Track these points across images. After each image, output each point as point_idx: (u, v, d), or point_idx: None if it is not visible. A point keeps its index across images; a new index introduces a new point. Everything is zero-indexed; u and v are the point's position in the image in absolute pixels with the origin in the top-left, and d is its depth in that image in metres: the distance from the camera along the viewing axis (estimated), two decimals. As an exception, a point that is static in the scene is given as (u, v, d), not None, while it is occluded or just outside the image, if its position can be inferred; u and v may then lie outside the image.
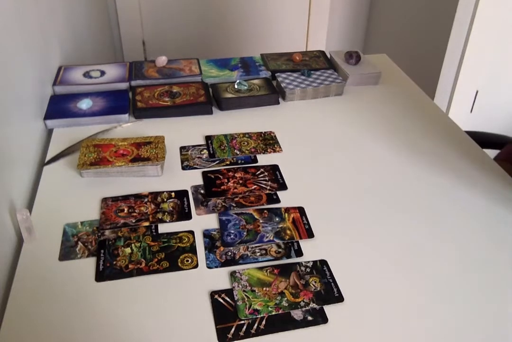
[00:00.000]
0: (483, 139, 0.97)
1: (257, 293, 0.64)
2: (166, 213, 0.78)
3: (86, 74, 1.13)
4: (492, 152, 1.01)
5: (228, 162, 0.90)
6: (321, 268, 0.68)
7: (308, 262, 0.69)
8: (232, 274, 0.67)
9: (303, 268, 0.68)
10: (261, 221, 0.76)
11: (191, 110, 1.04)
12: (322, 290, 0.65)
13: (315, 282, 0.66)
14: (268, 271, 0.68)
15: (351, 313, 0.62)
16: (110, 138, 0.91)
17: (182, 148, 0.93)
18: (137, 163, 0.84)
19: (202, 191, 0.83)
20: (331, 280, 0.66)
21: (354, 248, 0.72)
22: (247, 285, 0.65)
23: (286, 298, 0.63)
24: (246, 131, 0.99)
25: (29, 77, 0.94)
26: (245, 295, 0.64)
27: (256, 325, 0.60)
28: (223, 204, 0.80)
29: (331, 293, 0.64)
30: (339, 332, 0.60)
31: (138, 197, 0.81)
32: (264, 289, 0.65)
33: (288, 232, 0.74)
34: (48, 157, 0.90)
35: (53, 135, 0.97)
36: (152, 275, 0.67)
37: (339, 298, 0.64)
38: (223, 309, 0.62)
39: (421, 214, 0.79)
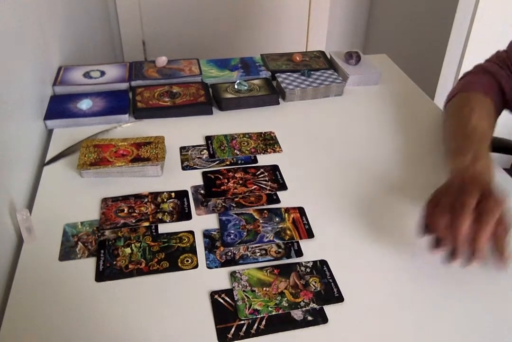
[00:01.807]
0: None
1: (257, 293, 0.64)
2: (166, 213, 0.78)
3: (86, 75, 1.13)
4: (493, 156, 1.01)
5: (228, 163, 0.90)
6: (321, 268, 0.68)
7: (308, 262, 0.69)
8: (232, 274, 0.67)
9: (303, 268, 0.68)
10: (261, 221, 0.76)
11: (191, 111, 1.04)
12: (322, 290, 0.65)
13: (315, 282, 0.66)
14: (268, 271, 0.68)
15: (351, 313, 0.62)
16: (110, 138, 0.91)
17: (182, 148, 0.93)
18: (137, 164, 0.84)
19: (202, 191, 0.83)
20: (331, 280, 0.66)
21: (354, 248, 0.72)
22: (247, 285, 0.65)
23: (286, 298, 0.63)
24: (246, 131, 0.99)
25: (29, 77, 0.94)
26: (245, 295, 0.64)
27: (256, 325, 0.60)
28: (223, 204, 0.80)
29: (331, 293, 0.64)
30: (339, 332, 0.60)
31: (138, 197, 0.81)
32: (264, 289, 0.65)
33: (288, 232, 0.74)
34: (48, 158, 0.90)
35: (53, 135, 0.97)
36: (152, 275, 0.67)
37: (339, 298, 0.64)
38: (223, 309, 0.62)
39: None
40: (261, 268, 0.68)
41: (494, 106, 0.87)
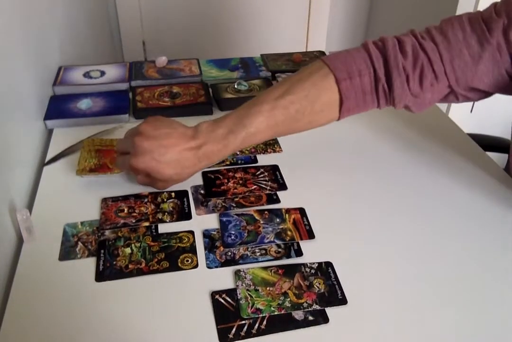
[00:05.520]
0: (484, 142, 0.97)
1: (261, 292, 0.64)
2: (166, 213, 0.77)
3: (86, 75, 1.12)
4: (492, 155, 1.01)
5: (228, 163, 0.90)
6: (326, 269, 0.68)
7: (313, 263, 0.69)
8: (237, 273, 0.67)
9: (307, 269, 0.68)
10: (261, 222, 0.76)
11: (191, 111, 1.04)
12: (326, 292, 0.64)
13: (319, 283, 0.66)
14: (272, 271, 0.67)
15: (353, 314, 0.62)
16: (111, 138, 0.91)
17: (182, 148, 0.93)
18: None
19: (202, 191, 0.82)
20: (335, 282, 0.66)
21: (357, 250, 0.72)
22: (251, 284, 0.65)
23: (289, 299, 0.63)
24: (247, 131, 0.98)
25: (29, 77, 0.94)
26: (248, 293, 0.64)
27: (257, 325, 0.60)
28: (223, 204, 0.80)
29: (334, 295, 0.64)
30: (340, 332, 0.60)
31: (138, 197, 0.80)
32: (268, 288, 0.65)
33: (289, 233, 0.74)
34: (48, 157, 0.90)
35: (53, 135, 0.97)
36: (152, 275, 0.67)
37: (343, 301, 0.63)
38: (224, 309, 0.62)
39: (424, 215, 0.78)
40: (265, 268, 0.68)
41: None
